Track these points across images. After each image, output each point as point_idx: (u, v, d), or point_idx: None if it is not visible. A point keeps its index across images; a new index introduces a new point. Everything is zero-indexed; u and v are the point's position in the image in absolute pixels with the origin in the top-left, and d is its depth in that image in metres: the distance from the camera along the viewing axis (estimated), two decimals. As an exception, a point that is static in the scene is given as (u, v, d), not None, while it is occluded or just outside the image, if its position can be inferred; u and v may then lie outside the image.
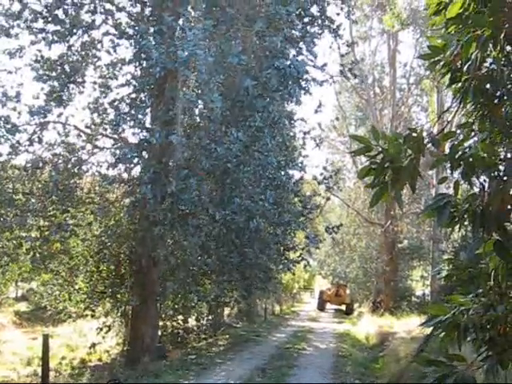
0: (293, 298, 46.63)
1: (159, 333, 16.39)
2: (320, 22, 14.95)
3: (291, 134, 17.48)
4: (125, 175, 14.18)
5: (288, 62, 12.31)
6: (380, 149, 3.19)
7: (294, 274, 25.76)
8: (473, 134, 3.62)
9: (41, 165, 13.86)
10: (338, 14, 16.20)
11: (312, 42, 13.99)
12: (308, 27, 14.55)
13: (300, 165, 16.07)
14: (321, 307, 43.04)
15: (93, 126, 14.71)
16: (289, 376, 13.53)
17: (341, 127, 34.84)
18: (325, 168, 17.81)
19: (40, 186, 14.39)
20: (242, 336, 21.65)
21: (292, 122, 16.76)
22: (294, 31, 13.76)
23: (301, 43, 14.15)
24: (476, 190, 3.46)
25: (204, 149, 12.16)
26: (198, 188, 12.02)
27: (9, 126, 12.66)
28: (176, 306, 17.83)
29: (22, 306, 35.34)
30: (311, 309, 44.59)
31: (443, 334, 3.56)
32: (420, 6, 25.96)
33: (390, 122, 30.60)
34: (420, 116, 34.22)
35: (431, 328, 4.26)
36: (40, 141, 13.57)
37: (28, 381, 12.55)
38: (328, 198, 19.70)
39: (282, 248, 16.44)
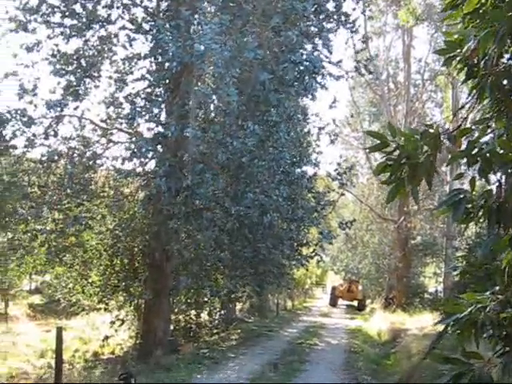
0: (305, 294, 46.60)
1: (171, 327, 16.44)
2: (336, 17, 14.89)
3: (305, 129, 17.45)
4: (139, 169, 14.21)
5: (304, 57, 12.29)
6: (396, 145, 3.17)
7: (307, 270, 25.73)
8: (489, 130, 3.58)
9: (56, 158, 13.94)
10: (353, 10, 16.13)
11: (328, 38, 13.94)
12: (324, 23, 14.49)
13: (314, 161, 16.04)
14: (333, 303, 42.98)
15: (108, 121, 14.76)
16: (300, 371, 13.56)
17: (354, 123, 34.69)
18: (339, 164, 17.74)
19: (55, 179, 14.49)
20: (253, 331, 21.70)
21: (306, 117, 16.72)
22: (310, 27, 13.74)
23: (316, 39, 14.11)
24: (492, 186, 3.44)
25: (219, 143, 12.15)
26: (213, 182, 12.03)
27: (25, 119, 12.75)
28: (189, 301, 17.87)
29: (36, 299, 35.61)
30: (323, 304, 44.55)
31: (459, 331, 3.54)
32: (435, 0, 25.78)
33: (404, 118, 30.42)
34: (434, 112, 34.03)
35: (443, 325, 4.25)
36: (56, 134, 13.66)
37: (42, 372, 12.63)
38: (342, 194, 19.63)
39: (295, 244, 16.42)
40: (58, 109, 12.94)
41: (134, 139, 13.47)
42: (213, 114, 14.25)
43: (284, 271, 17.89)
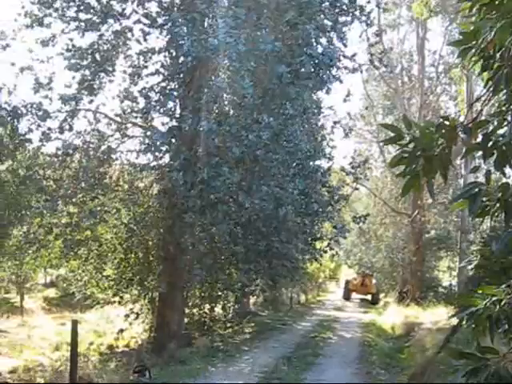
0: (318, 288, 46.58)
1: (185, 320, 16.51)
2: (351, 11, 14.85)
3: (320, 123, 17.41)
4: (154, 163, 14.26)
5: (320, 50, 12.28)
6: (411, 137, 3.15)
7: (320, 264, 25.70)
8: (505, 122, 3.55)
9: (71, 152, 14.04)
10: (368, 2, 16.07)
11: (342, 31, 13.91)
12: (339, 16, 14.45)
13: (328, 155, 16.03)
14: (346, 296, 42.96)
15: (122, 115, 14.82)
16: (314, 365, 13.57)
17: (368, 116, 34.54)
18: (353, 158, 17.76)
19: (70, 173, 14.60)
20: (267, 324, 21.74)
21: (321, 110, 16.68)
22: (325, 20, 13.71)
23: (332, 32, 14.08)
24: (508, 179, 3.40)
25: (234, 136, 12.16)
26: (228, 175, 12.05)
27: (40, 113, 12.85)
28: (202, 295, 17.92)
29: (51, 292, 35.93)
30: (337, 298, 44.54)
31: (474, 325, 3.51)
32: (450, -8, 25.54)
33: (418, 111, 30.24)
34: (448, 105, 33.75)
35: (457, 319, 4.22)
36: (71, 128, 13.75)
37: (57, 365, 12.73)
38: (356, 188, 19.64)
39: (309, 238, 16.43)
40: (73, 103, 13.06)
41: (148, 133, 13.51)
42: (227, 108, 14.26)
43: (297, 265, 17.91)
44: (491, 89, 3.44)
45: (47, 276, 39.66)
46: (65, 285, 27.26)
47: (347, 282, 43.66)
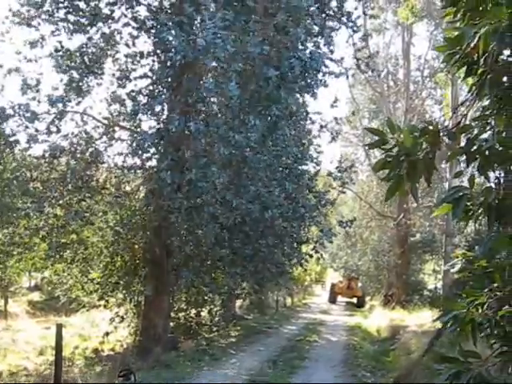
0: (304, 291, 46.64)
1: (171, 324, 16.45)
2: (338, 16, 14.97)
3: (307, 128, 17.44)
4: (141, 164, 14.24)
5: (308, 54, 12.33)
6: (395, 141, 3.17)
7: (305, 270, 25.72)
8: (488, 127, 3.58)
9: (58, 154, 13.98)
10: (355, 9, 16.16)
11: (330, 36, 14.00)
12: (326, 21, 14.57)
13: (315, 160, 16.10)
14: (332, 300, 43.05)
15: (110, 118, 14.79)
16: (300, 368, 13.57)
17: (354, 120, 34.69)
18: (340, 162, 17.85)
19: (57, 175, 14.55)
20: (253, 328, 21.71)
21: (308, 115, 16.71)
22: (312, 25, 13.80)
23: (319, 37, 14.17)
24: (491, 183, 3.43)
25: (221, 137, 12.16)
26: (216, 176, 12.05)
27: (28, 115, 12.79)
28: (189, 299, 17.87)
29: (35, 296, 35.68)
30: (322, 301, 44.61)
31: (457, 329, 3.53)
32: (435, -3, 25.74)
33: (403, 115, 30.42)
34: (434, 109, 34.00)
35: (441, 323, 4.23)
36: (58, 130, 13.70)
37: (41, 369, 12.65)
38: (343, 192, 19.68)
39: (295, 243, 16.47)
40: (61, 104, 13.00)
41: (136, 134, 13.49)
42: (215, 109, 14.28)
43: (283, 270, 17.91)
44: (475, 94, 3.47)
45: (31, 279, 39.39)
46: (49, 288, 27.08)
47: (333, 285, 43.75)
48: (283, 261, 17.14)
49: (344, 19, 15.13)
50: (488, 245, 3.36)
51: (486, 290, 3.54)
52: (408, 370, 11.94)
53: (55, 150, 13.84)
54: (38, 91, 13.22)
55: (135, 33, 13.85)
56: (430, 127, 3.19)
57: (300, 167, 15.43)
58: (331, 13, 14.83)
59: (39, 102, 13.20)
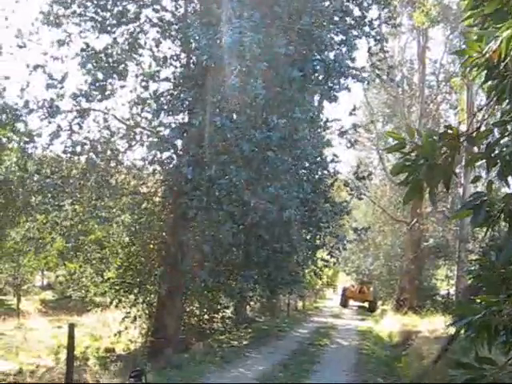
0: (316, 294, 46.54)
1: (183, 325, 16.46)
2: (361, 25, 15.00)
3: (326, 136, 17.36)
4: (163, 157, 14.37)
5: (332, 57, 12.38)
6: (414, 146, 3.14)
7: (320, 279, 25.58)
8: (508, 132, 3.54)
9: (79, 151, 14.13)
10: (377, 18, 16.15)
11: (351, 46, 14.01)
12: (350, 30, 14.60)
13: (333, 169, 16.19)
14: (344, 304, 42.94)
15: (131, 119, 14.94)
16: (311, 372, 13.52)
17: (368, 124, 34.57)
18: (358, 167, 17.88)
19: (77, 172, 14.71)
20: (264, 330, 21.69)
21: (327, 122, 16.65)
22: (337, 32, 13.90)
23: (342, 45, 14.20)
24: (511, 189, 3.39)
25: (243, 134, 12.19)
26: (235, 174, 12.07)
27: (52, 109, 12.97)
28: (202, 300, 17.87)
29: (48, 295, 35.86)
30: (334, 305, 44.49)
31: (473, 334, 3.49)
32: (451, 1, 25.63)
33: (418, 120, 30.24)
34: (448, 114, 33.80)
35: (455, 328, 4.18)
36: (80, 127, 13.87)
37: (53, 368, 12.69)
38: (360, 199, 19.62)
39: (310, 251, 16.51)
40: (84, 100, 13.19)
41: (160, 128, 13.68)
42: (238, 107, 14.36)
43: (297, 279, 17.89)
44: (494, 98, 3.44)
45: (44, 278, 39.60)
46: (62, 287, 27.22)
47: (345, 289, 43.66)
48: (298, 269, 17.15)
49: (366, 29, 15.15)
50: (509, 253, 3.32)
51: (502, 296, 3.50)
52: (420, 377, 11.87)
53: (76, 146, 13.99)
54: (62, 88, 13.39)
55: (159, 36, 14.11)
56: (450, 131, 3.16)
57: (318, 173, 15.46)
58: (353, 22, 14.83)
59: (63, 96, 13.38)
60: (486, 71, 3.45)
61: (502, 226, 3.69)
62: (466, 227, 22.04)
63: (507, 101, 3.40)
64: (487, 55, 3.23)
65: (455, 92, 28.96)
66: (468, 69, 3.47)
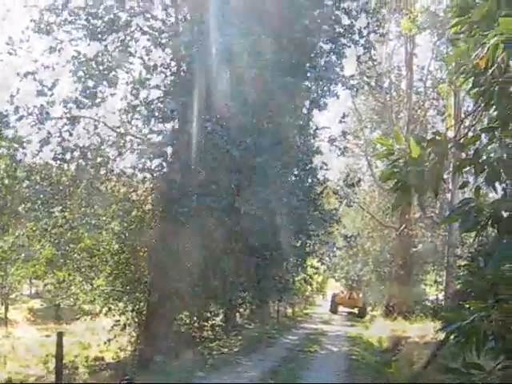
0: (305, 301, 46.52)
1: (172, 333, 16.37)
2: (350, 34, 15.11)
3: (315, 145, 17.42)
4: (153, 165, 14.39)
5: (323, 63, 12.46)
6: (402, 152, 3.16)
7: (310, 285, 25.56)
8: (496, 138, 3.56)
9: (69, 157, 14.13)
10: (366, 27, 16.23)
11: (340, 54, 14.11)
12: (338, 38, 14.71)
13: (322, 177, 16.25)
14: (333, 310, 42.97)
15: (122, 126, 14.95)
16: (301, 379, 13.49)
17: (356, 130, 34.67)
18: (347, 176, 17.97)
19: (67, 179, 14.72)
20: (254, 337, 21.62)
21: (316, 130, 16.69)
22: (326, 40, 14.00)
23: (331, 53, 14.29)
24: (496, 195, 3.41)
25: (233, 140, 12.20)
26: (225, 180, 12.09)
27: (42, 116, 12.99)
28: (191, 309, 17.79)
29: (36, 304, 35.62)
30: (323, 311, 44.47)
31: (462, 340, 3.50)
32: (438, 9, 25.77)
33: (405, 126, 30.39)
34: (436, 120, 33.93)
35: (444, 334, 4.19)
36: (70, 134, 13.88)
37: (42, 378, 12.61)
38: (349, 206, 19.65)
39: (300, 258, 16.53)
40: (74, 106, 13.22)
41: (150, 135, 13.73)
42: (228, 113, 14.40)
43: (287, 286, 17.88)
44: (482, 104, 3.46)
45: (32, 287, 39.33)
46: (51, 296, 27.02)
47: (334, 295, 43.72)
48: (287, 276, 17.16)
49: (355, 37, 15.26)
50: (498, 257, 3.33)
51: (490, 302, 3.52)
52: (410, 382, 11.88)
53: (66, 153, 13.98)
54: (52, 95, 13.40)
55: (150, 44, 14.17)
56: (438, 138, 3.18)
57: (308, 180, 15.50)
58: (342, 30, 14.93)
59: (53, 103, 13.39)
60: (473, 78, 3.48)
61: (490, 232, 3.71)
62: (454, 233, 22.11)
63: (494, 107, 3.43)
64: (474, 62, 3.26)
65: (442, 98, 29.13)
66: (455, 76, 3.50)
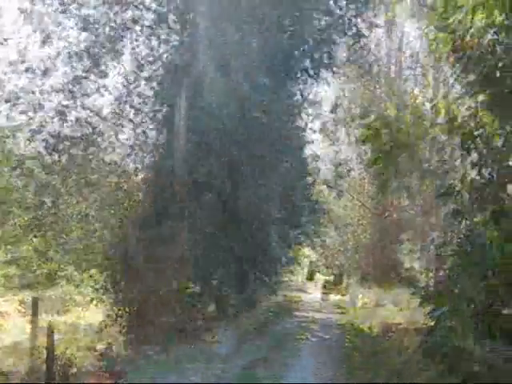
0: (296, 288, 46.76)
1: (164, 324, 16.36)
2: (340, 24, 15.15)
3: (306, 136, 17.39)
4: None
5: (314, 52, 12.56)
6: (389, 136, 3.17)
7: (299, 264, 25.82)
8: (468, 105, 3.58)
9: (61, 147, 14.12)
10: (356, 16, 16.24)
11: (333, 43, 14.17)
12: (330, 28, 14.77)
13: (313, 167, 16.40)
14: (324, 297, 43.62)
15: (115, 115, 14.96)
16: (291, 366, 13.56)
17: (346, 118, 34.67)
18: (337, 166, 18.10)
19: (58, 168, 14.70)
20: (245, 327, 21.64)
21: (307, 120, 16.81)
22: (318, 30, 14.05)
23: (322, 43, 14.35)
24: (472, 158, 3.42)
25: (224, 126, 12.22)
26: (214, 165, 12.12)
27: (35, 101, 13.03)
28: (182, 300, 17.79)
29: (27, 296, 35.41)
30: (314, 299, 44.71)
31: (448, 325, 3.54)
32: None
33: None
34: (425, 107, 33.95)
35: (433, 318, 4.23)
36: (62, 124, 13.86)
37: (34, 369, 12.57)
38: (340, 196, 19.85)
39: (287, 247, 16.64)
40: (66, 96, 13.22)
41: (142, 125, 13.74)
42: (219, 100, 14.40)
43: (277, 280, 17.98)
44: (460, 70, 3.47)
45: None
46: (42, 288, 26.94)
47: (326, 282, 44.33)
48: (278, 266, 17.27)
49: (346, 27, 15.28)
50: (480, 240, 3.36)
51: (481, 285, 3.54)
52: (400, 367, 11.96)
53: (58, 143, 13.97)
54: (43, 84, 13.40)
55: (139, 38, 14.46)
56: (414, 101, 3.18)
57: (299, 170, 15.57)
58: (333, 21, 14.97)
59: (45, 93, 13.37)
60: (463, 63, 3.48)
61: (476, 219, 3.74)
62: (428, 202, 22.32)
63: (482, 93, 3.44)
64: (452, 26, 3.26)
65: (429, 84, 29.15)
66: (435, 44, 3.51)
